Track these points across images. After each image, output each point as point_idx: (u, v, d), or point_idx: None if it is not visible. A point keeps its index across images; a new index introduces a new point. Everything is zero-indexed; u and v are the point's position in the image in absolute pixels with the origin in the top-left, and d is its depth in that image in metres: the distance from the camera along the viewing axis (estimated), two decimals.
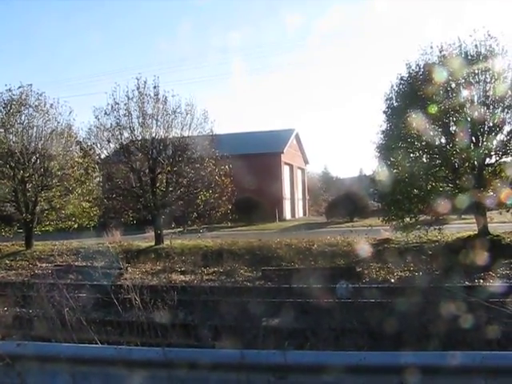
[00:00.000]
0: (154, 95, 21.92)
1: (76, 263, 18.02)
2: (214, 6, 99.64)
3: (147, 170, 22.37)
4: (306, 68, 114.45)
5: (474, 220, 18.89)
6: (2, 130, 22.14)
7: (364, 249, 16.72)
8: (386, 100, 19.38)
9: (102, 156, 23.59)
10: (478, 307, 7.51)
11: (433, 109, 17.01)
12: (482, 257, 13.34)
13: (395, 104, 19.09)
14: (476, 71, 17.36)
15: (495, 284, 11.61)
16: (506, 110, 17.62)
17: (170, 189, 22.69)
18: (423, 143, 18.16)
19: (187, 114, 22.19)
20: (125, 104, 21.81)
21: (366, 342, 6.50)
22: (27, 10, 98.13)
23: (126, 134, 22.31)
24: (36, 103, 22.39)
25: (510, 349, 5.81)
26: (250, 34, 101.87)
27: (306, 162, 52.75)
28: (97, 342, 5.35)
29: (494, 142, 18.01)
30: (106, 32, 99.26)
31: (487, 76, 17.45)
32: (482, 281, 12.43)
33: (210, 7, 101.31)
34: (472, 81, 17.55)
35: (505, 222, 19.37)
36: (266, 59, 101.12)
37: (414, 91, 17.80)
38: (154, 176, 22.31)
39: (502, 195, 16.96)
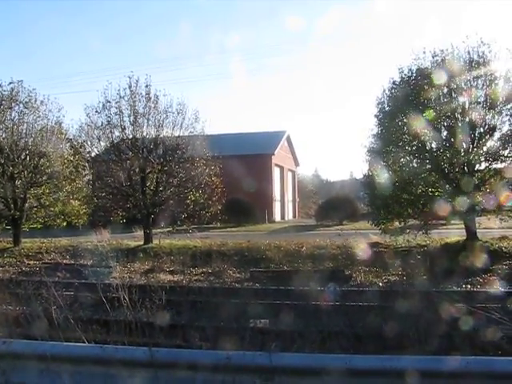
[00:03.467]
0: (146, 94, 21.94)
1: (64, 261, 17.95)
2: (213, 6, 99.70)
3: (137, 169, 22.29)
4: (299, 71, 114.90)
5: (463, 225, 18.96)
6: None
7: (353, 252, 16.75)
8: (378, 104, 19.45)
9: (93, 154, 23.53)
10: (465, 313, 7.53)
11: (424, 114, 17.09)
12: (470, 262, 13.40)
13: (387, 108, 19.14)
14: (468, 77, 17.46)
15: (483, 289, 11.66)
16: (496, 117, 17.73)
17: (160, 188, 22.65)
18: (414, 148, 18.25)
19: (178, 114, 22.26)
20: (116, 102, 21.81)
21: (351, 344, 6.51)
22: (24, 9, 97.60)
23: (116, 133, 22.33)
24: (26, 100, 22.27)
25: (494, 355, 5.84)
26: (247, 35, 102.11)
27: (297, 165, 52.82)
28: (84, 341, 5.32)
29: (485, 148, 18.10)
30: (104, 30, 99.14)
31: (479, 82, 17.56)
32: (470, 286, 12.48)
33: (209, 7, 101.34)
34: (464, 87, 17.64)
35: (493, 228, 19.46)
36: (261, 60, 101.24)
37: (406, 96, 17.89)
38: (145, 175, 22.26)
39: (491, 201, 17.06)
